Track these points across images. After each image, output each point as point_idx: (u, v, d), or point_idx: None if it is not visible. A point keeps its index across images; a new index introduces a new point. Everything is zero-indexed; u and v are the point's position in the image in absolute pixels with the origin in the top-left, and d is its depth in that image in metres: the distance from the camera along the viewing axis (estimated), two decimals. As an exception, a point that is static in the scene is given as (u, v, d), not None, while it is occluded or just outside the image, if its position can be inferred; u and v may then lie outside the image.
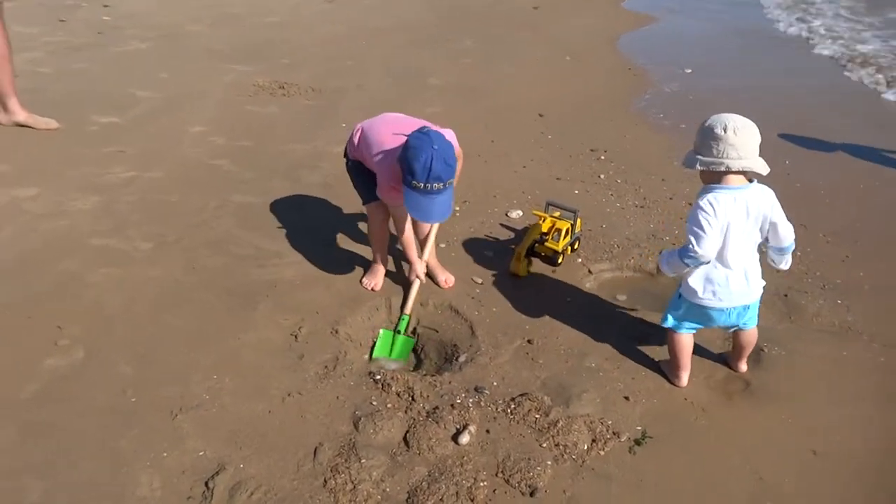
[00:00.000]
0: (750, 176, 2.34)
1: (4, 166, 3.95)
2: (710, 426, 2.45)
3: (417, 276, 2.96)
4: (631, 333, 2.87)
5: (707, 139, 2.28)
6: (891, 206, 4.16)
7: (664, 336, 2.69)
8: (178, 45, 6.64)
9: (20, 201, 3.61)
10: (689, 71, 6.82)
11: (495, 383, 2.58)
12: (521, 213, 3.81)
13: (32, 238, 3.31)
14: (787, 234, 2.44)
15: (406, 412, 2.41)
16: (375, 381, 2.54)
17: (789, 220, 2.46)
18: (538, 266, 3.33)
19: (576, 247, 3.47)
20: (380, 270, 3.16)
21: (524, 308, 3.02)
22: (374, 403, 2.45)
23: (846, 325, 3.03)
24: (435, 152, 2.47)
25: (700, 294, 2.42)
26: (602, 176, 4.34)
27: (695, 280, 2.42)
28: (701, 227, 2.30)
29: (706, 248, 2.30)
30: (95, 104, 4.92)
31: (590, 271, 3.34)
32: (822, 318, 3.08)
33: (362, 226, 3.56)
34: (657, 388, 2.62)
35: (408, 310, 2.92)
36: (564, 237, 3.31)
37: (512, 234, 3.61)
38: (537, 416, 2.42)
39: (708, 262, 2.36)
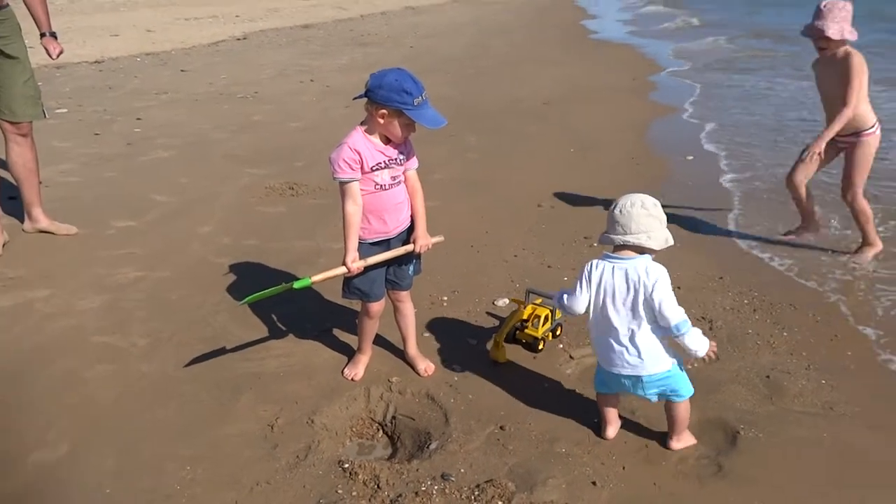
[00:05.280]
0: (643, 251, 2.51)
1: (23, 270, 4.23)
2: (678, 512, 2.42)
3: (348, 266, 2.85)
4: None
5: (608, 217, 2.58)
6: (886, 287, 4.13)
7: (640, 418, 2.85)
8: (201, 151, 7.08)
9: (32, 302, 3.85)
10: (691, 158, 6.97)
11: (462, 470, 2.60)
12: (507, 301, 3.89)
13: (38, 337, 3.51)
14: (669, 315, 2.45)
15: (370, 500, 2.45)
16: (343, 470, 2.59)
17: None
18: (519, 352, 3.38)
19: (558, 333, 3.52)
20: (362, 360, 3.26)
21: (500, 394, 3.06)
22: (340, 492, 2.49)
23: (829, 406, 2.99)
24: (398, 73, 2.72)
25: (598, 356, 2.64)
26: (593, 262, 4.42)
27: (595, 343, 2.64)
28: (575, 284, 2.62)
29: (573, 302, 2.61)
30: (116, 210, 5.26)
31: (571, 357, 3.38)
32: (804, 399, 3.04)
33: (350, 316, 3.68)
34: (627, 472, 2.60)
35: (315, 278, 2.83)
36: (544, 324, 3.37)
37: (496, 322, 3.69)
38: (500, 502, 2.42)
39: (572, 314, 2.66)
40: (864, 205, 4.35)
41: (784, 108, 9.37)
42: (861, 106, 4.14)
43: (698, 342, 2.50)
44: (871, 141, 4.23)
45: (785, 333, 3.57)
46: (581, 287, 2.57)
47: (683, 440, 2.72)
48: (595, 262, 2.59)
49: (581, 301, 2.57)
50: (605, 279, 2.53)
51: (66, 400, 3.01)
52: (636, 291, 2.48)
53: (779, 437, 2.77)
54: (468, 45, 17.67)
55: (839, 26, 4.00)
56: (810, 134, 8.11)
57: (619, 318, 2.52)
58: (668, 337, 2.55)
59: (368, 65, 13.15)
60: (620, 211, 2.49)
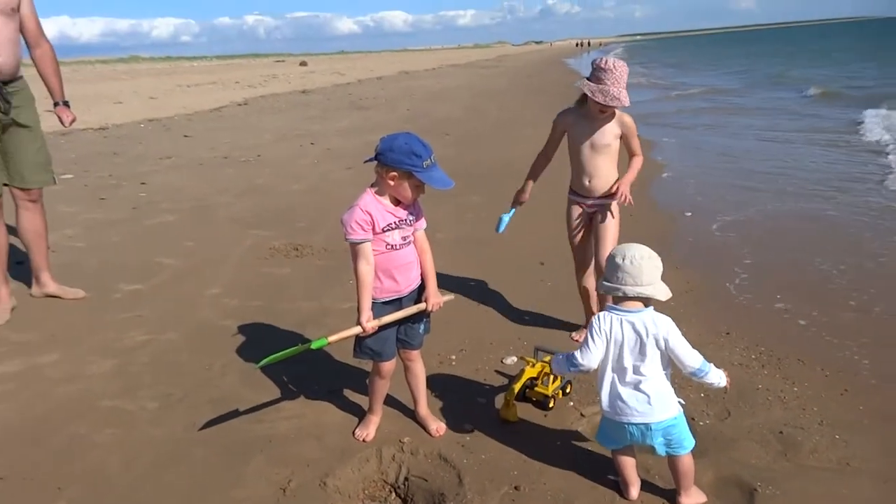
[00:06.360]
0: (648, 302, 2.59)
1: (31, 335, 4.24)
2: (699, 572, 2.38)
3: (363, 326, 2.87)
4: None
5: (610, 267, 2.62)
6: (891, 338, 4.15)
7: (655, 477, 2.80)
8: (206, 214, 7.17)
9: (41, 367, 3.84)
10: (689, 214, 7.08)
11: (479, 533, 2.56)
12: (514, 359, 3.90)
13: (46, 402, 3.49)
14: (689, 361, 2.58)
15: (387, 565, 2.40)
16: (359, 534, 2.55)
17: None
18: (529, 411, 3.37)
19: (567, 390, 3.52)
20: (373, 421, 3.24)
21: (513, 454, 3.03)
22: (356, 557, 2.45)
23: (845, 461, 2.97)
24: (407, 136, 2.79)
25: (604, 406, 2.62)
26: (598, 319, 4.45)
27: (603, 394, 2.63)
28: (586, 340, 2.63)
29: (586, 358, 2.61)
30: (122, 273, 5.30)
31: (582, 414, 3.37)
32: (819, 455, 3.02)
33: (361, 377, 3.67)
34: (645, 532, 2.57)
35: (332, 338, 2.85)
36: (554, 381, 3.37)
37: (506, 381, 3.69)
38: (519, 565, 2.38)
39: (587, 371, 2.64)
40: None
41: (757, 164, 10.07)
42: (617, 167, 3.96)
43: (718, 376, 2.63)
44: (617, 204, 3.99)
45: (795, 388, 3.58)
46: (594, 340, 2.60)
47: (693, 496, 2.69)
48: (602, 314, 2.64)
49: (596, 355, 2.60)
50: (615, 331, 2.58)
51: (76, 466, 2.98)
52: (644, 343, 2.54)
53: (797, 494, 2.74)
54: (463, 107, 18.11)
55: (626, 92, 3.65)
56: (790, 179, 8.39)
57: (629, 368, 2.57)
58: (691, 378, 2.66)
59: (367, 128, 13.45)
60: (631, 262, 2.54)
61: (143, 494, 2.81)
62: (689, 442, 2.64)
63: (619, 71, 3.61)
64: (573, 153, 4.00)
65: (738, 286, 5.08)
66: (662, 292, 2.57)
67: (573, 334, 4.29)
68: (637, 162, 3.98)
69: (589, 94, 3.64)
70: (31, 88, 4.55)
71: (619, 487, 2.77)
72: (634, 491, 2.72)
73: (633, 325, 2.56)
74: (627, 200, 3.85)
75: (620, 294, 2.57)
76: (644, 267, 2.53)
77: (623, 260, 2.55)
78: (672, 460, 2.65)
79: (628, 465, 2.72)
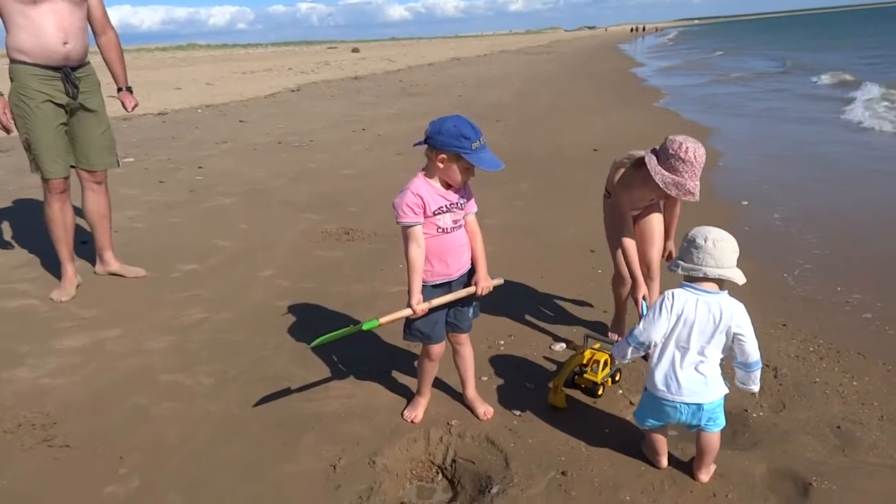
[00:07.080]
0: (724, 286, 2.58)
1: (95, 311, 4.42)
2: (750, 564, 2.35)
3: (414, 308, 2.88)
4: (670, 463, 2.83)
5: (689, 247, 2.58)
6: (958, 332, 3.98)
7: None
8: (260, 198, 7.32)
9: (104, 342, 4.00)
10: (746, 203, 6.90)
11: (525, 516, 2.57)
12: (564, 346, 3.89)
13: (109, 375, 3.64)
14: (752, 351, 2.58)
15: (434, 544, 2.44)
16: (406, 512, 2.59)
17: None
18: (578, 397, 3.36)
19: (617, 378, 3.49)
20: (421, 403, 3.28)
21: (561, 440, 3.03)
22: (404, 534, 2.49)
23: (906, 459, 2.87)
24: (456, 119, 2.79)
25: (658, 385, 2.60)
26: (649, 308, 4.39)
27: (658, 371, 2.61)
28: (651, 315, 2.63)
29: (649, 331, 2.62)
30: (180, 254, 5.46)
31: (631, 402, 3.34)
32: (879, 451, 2.93)
33: (410, 359, 3.71)
34: (694, 523, 2.54)
35: (383, 320, 2.88)
36: (603, 368, 3.35)
37: (554, 367, 3.68)
38: (565, 550, 2.39)
39: (647, 348, 2.65)
40: None
41: (817, 150, 9.74)
42: None
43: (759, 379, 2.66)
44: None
45: (854, 382, 3.47)
46: (660, 315, 2.60)
47: (710, 471, 2.75)
48: (676, 291, 2.61)
49: (659, 331, 2.60)
50: (688, 310, 2.57)
51: (137, 436, 3.10)
52: (716, 325, 2.54)
53: (854, 491, 2.67)
54: (515, 93, 17.97)
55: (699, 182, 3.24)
56: (852, 165, 8.06)
57: (693, 349, 2.57)
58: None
59: (418, 114, 13.49)
60: (714, 244, 2.52)
61: (200, 467, 2.91)
62: (723, 420, 2.67)
63: (698, 162, 3.17)
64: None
65: (798, 277, 4.93)
66: (740, 276, 2.56)
67: (610, 335, 4.02)
68: (676, 215, 3.83)
69: (662, 187, 3.21)
70: (96, 75, 4.71)
71: (648, 460, 2.84)
72: (663, 460, 2.80)
73: (708, 306, 2.55)
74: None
75: (701, 275, 2.55)
76: (725, 249, 2.53)
77: (706, 241, 2.53)
78: (704, 436, 2.65)
79: (661, 442, 2.77)
